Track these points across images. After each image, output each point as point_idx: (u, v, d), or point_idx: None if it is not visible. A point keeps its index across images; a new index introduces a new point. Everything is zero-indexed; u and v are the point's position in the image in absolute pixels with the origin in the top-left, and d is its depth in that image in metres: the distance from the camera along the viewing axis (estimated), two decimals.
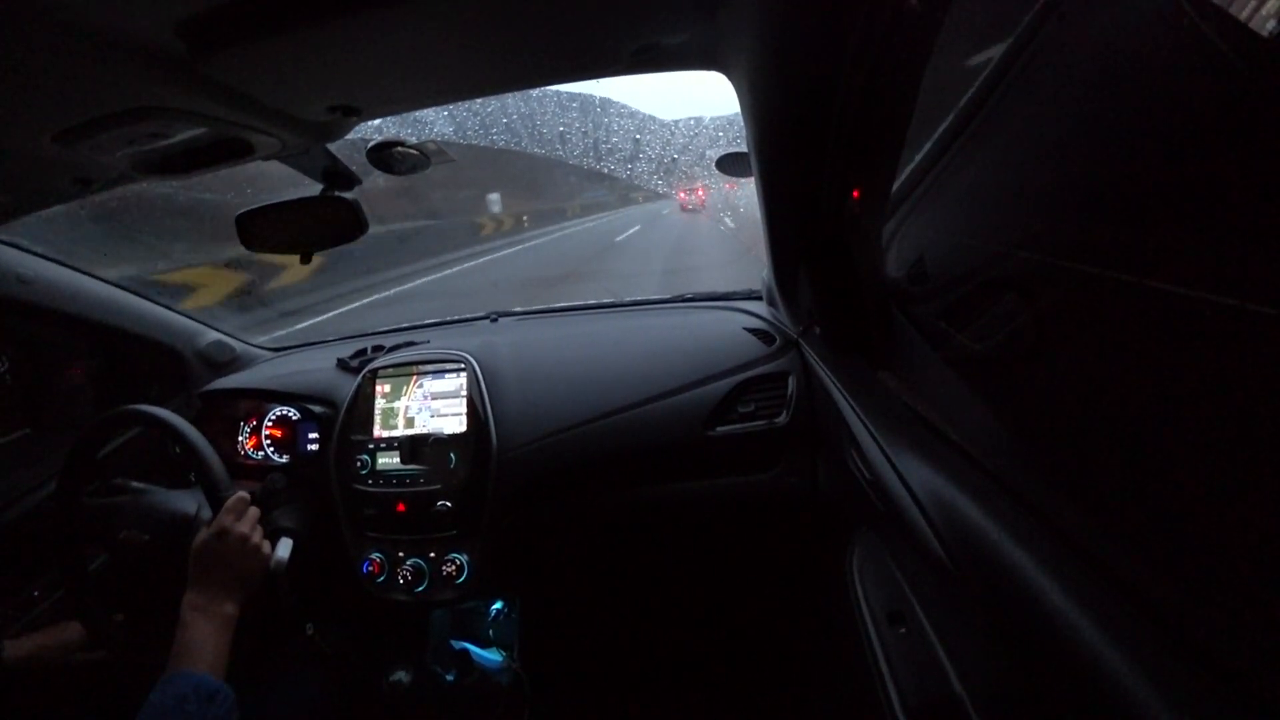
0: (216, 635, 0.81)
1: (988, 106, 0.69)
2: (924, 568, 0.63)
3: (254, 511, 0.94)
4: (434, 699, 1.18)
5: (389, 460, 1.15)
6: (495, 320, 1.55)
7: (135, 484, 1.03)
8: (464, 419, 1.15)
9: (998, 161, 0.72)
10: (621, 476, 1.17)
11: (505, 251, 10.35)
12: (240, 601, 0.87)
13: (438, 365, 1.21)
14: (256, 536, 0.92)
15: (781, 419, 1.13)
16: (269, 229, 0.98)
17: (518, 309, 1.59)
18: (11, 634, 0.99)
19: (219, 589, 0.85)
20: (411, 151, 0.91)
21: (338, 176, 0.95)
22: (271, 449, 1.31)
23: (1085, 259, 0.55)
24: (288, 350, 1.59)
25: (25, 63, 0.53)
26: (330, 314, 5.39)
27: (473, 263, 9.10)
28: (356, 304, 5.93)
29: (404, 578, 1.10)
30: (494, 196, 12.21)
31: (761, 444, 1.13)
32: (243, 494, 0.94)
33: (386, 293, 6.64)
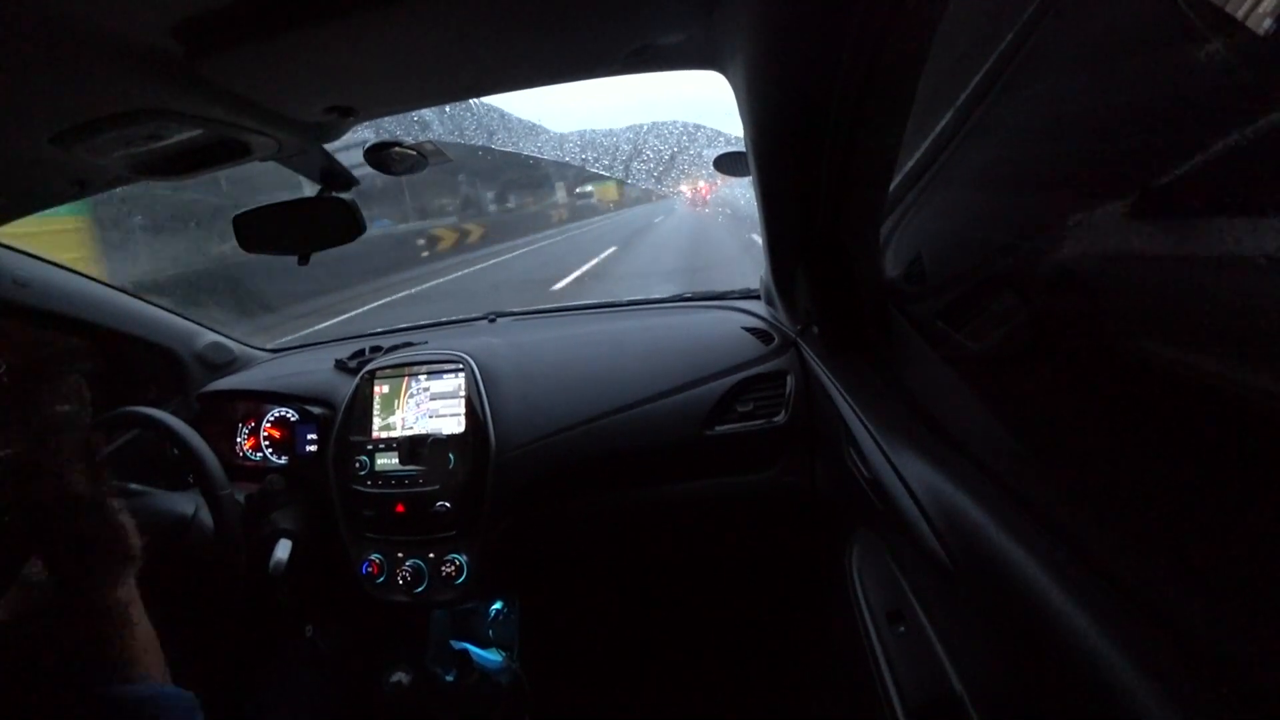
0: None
1: (985, 105, 0.69)
2: (923, 566, 0.63)
3: None
4: (434, 699, 1.18)
5: (388, 461, 1.15)
6: (494, 321, 1.55)
7: (133, 486, 1.03)
8: (462, 419, 1.15)
9: (995, 160, 0.72)
10: (620, 476, 1.17)
11: None
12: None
13: (436, 366, 1.21)
14: None
15: (780, 418, 1.13)
16: (266, 230, 0.98)
17: (516, 309, 1.60)
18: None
19: None
20: (409, 152, 0.91)
21: (335, 177, 0.95)
22: (270, 450, 1.31)
23: (1083, 256, 0.55)
24: (286, 351, 1.58)
25: (23, 65, 0.53)
26: None
27: None
28: None
29: (403, 578, 1.10)
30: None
31: (760, 443, 1.13)
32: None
33: None
